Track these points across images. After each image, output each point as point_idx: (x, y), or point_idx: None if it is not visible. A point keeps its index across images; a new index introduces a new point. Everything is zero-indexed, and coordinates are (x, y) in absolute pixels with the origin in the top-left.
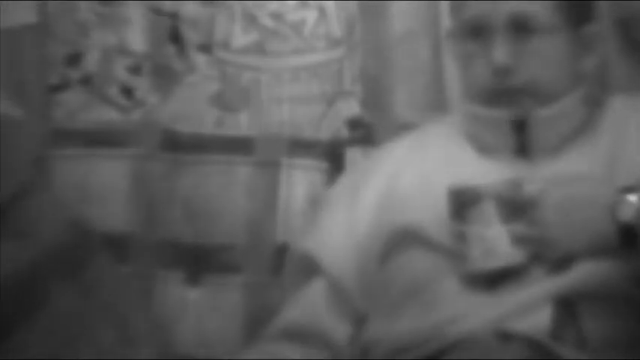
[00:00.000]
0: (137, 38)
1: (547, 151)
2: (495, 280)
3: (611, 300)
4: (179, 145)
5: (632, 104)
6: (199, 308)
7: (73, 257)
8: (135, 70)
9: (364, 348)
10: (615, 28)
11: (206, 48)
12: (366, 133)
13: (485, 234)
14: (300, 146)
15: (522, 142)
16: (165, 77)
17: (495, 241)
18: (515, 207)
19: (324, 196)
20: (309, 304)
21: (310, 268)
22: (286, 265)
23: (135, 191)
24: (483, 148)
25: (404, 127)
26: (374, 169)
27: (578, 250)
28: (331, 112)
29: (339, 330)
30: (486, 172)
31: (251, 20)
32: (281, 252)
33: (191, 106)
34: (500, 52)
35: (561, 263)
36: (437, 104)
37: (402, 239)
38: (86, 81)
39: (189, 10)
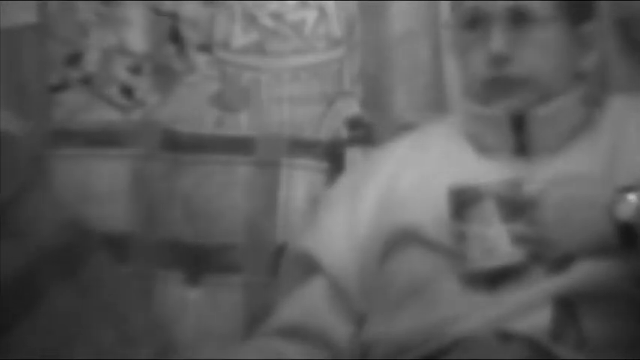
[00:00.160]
0: (137, 38)
1: (547, 151)
2: (495, 279)
3: (611, 300)
4: (179, 145)
5: (632, 104)
6: (199, 308)
7: (71, 257)
8: (135, 70)
9: (364, 347)
10: (615, 28)
11: (206, 48)
12: (366, 133)
13: (485, 233)
14: (300, 146)
15: (522, 142)
16: (165, 77)
17: (495, 240)
18: (515, 207)
19: (324, 196)
20: (308, 303)
21: (309, 267)
22: (283, 263)
23: (135, 191)
24: (483, 148)
25: (404, 127)
26: (374, 170)
27: (578, 249)
28: (331, 112)
29: (339, 329)
30: (486, 172)
31: (251, 20)
32: (281, 252)
33: (191, 106)
34: (498, 40)
35: (561, 263)
36: (437, 104)
37: (402, 239)
38: (86, 81)
39: (189, 10)
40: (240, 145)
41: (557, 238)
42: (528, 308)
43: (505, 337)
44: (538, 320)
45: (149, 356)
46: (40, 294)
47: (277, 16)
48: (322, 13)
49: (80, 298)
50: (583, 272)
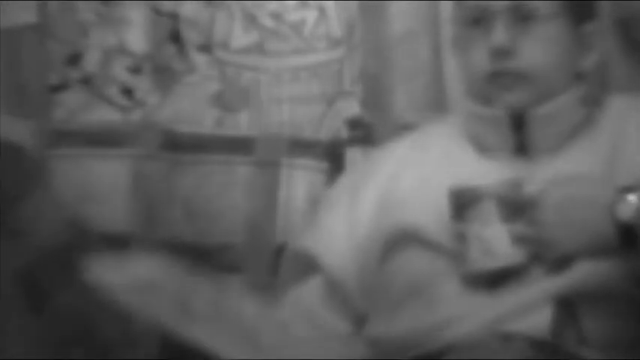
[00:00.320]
0: (137, 38)
1: (547, 151)
2: (495, 280)
3: (611, 300)
4: (179, 145)
5: (632, 104)
6: None
7: (72, 257)
8: (135, 70)
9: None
10: (615, 28)
11: (206, 48)
12: (366, 133)
13: (485, 234)
14: (300, 146)
15: (522, 142)
16: (165, 77)
17: (495, 241)
18: (515, 207)
19: (324, 196)
20: (306, 301)
21: (308, 267)
22: (282, 262)
23: (135, 191)
24: (483, 148)
25: (404, 127)
26: (374, 170)
27: (578, 250)
28: (331, 112)
29: (339, 328)
30: (486, 172)
31: (251, 20)
32: (281, 252)
33: (191, 106)
34: (501, 33)
35: (561, 263)
36: (437, 104)
37: (402, 239)
38: (86, 81)
39: (189, 10)
40: (240, 145)
41: (558, 239)
42: (528, 308)
43: (506, 337)
44: (538, 320)
45: (149, 356)
46: (42, 294)
47: (277, 16)
48: (322, 13)
49: (81, 298)
50: (583, 272)
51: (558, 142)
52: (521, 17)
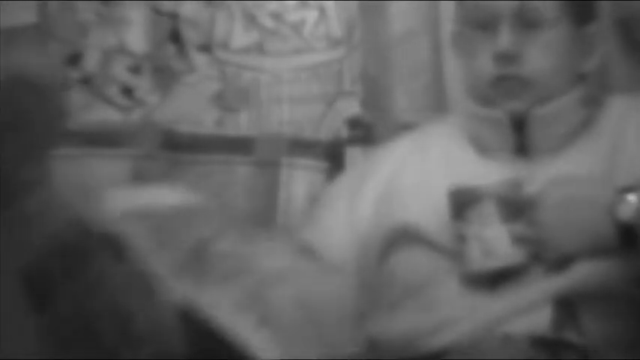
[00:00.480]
0: (137, 38)
1: (547, 152)
2: (495, 280)
3: (610, 300)
4: (179, 145)
5: (633, 104)
6: None
7: (76, 256)
8: (135, 70)
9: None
10: (615, 28)
11: (206, 48)
12: (366, 133)
13: (485, 234)
14: (300, 146)
15: (522, 142)
16: (165, 77)
17: (495, 241)
18: (515, 207)
19: (324, 193)
20: None
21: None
22: None
23: None
24: (483, 148)
25: (404, 127)
26: (374, 169)
27: (578, 250)
28: (331, 112)
29: None
30: (486, 172)
31: (251, 20)
32: None
33: (191, 106)
34: (507, 38)
35: (561, 263)
36: (437, 104)
37: (401, 239)
38: (86, 81)
39: (189, 10)
40: (240, 145)
41: (557, 239)
42: (528, 308)
43: (506, 337)
44: (538, 320)
45: (150, 356)
46: (43, 294)
47: (277, 16)
48: (322, 13)
49: (85, 298)
50: (583, 273)
51: (558, 142)
52: (526, 23)
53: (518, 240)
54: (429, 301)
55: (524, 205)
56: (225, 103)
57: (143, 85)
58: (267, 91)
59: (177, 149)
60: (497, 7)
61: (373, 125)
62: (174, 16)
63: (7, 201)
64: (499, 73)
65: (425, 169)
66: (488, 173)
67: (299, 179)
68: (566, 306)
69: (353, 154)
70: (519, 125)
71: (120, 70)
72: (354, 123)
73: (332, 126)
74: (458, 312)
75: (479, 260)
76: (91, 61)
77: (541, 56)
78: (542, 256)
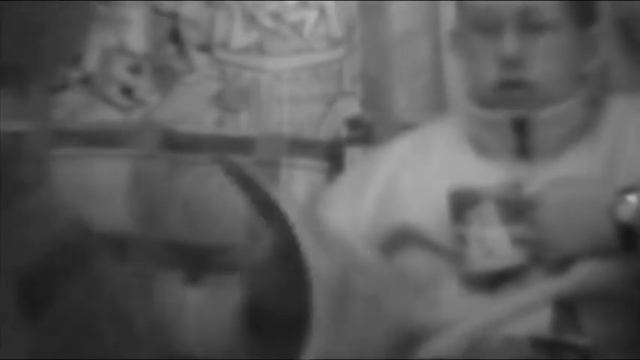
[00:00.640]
0: (137, 38)
1: (547, 153)
2: (495, 281)
3: (611, 301)
4: (179, 145)
5: (633, 105)
6: (199, 308)
7: (75, 257)
8: (135, 70)
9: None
10: (616, 29)
11: (206, 48)
12: (366, 133)
13: (485, 235)
14: (300, 146)
15: (522, 144)
16: (165, 77)
17: (495, 242)
18: (515, 208)
19: (324, 194)
20: None
21: None
22: None
23: (135, 191)
24: (484, 149)
25: (404, 127)
26: (374, 169)
27: (578, 251)
28: (331, 112)
29: None
30: (486, 173)
31: (251, 20)
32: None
33: (191, 106)
34: (512, 43)
35: (561, 264)
36: (437, 104)
37: (401, 239)
38: (86, 81)
39: (189, 10)
40: (240, 145)
41: (557, 240)
42: (528, 309)
43: (506, 337)
44: (538, 321)
45: (149, 356)
46: (47, 294)
47: (277, 16)
48: (322, 13)
49: (85, 298)
50: (583, 274)
51: (559, 143)
52: (530, 26)
53: (519, 241)
54: (429, 301)
55: (525, 206)
56: (225, 103)
57: (143, 85)
58: (267, 91)
59: (177, 149)
60: (501, 9)
61: (373, 125)
62: (174, 16)
63: (7, 201)
64: (503, 78)
65: (425, 170)
66: (489, 174)
67: (299, 179)
68: (567, 307)
69: (353, 154)
70: (520, 127)
71: (120, 70)
72: (354, 123)
73: (332, 126)
74: (458, 313)
75: (479, 261)
76: (91, 61)
77: (545, 60)
78: (543, 257)
